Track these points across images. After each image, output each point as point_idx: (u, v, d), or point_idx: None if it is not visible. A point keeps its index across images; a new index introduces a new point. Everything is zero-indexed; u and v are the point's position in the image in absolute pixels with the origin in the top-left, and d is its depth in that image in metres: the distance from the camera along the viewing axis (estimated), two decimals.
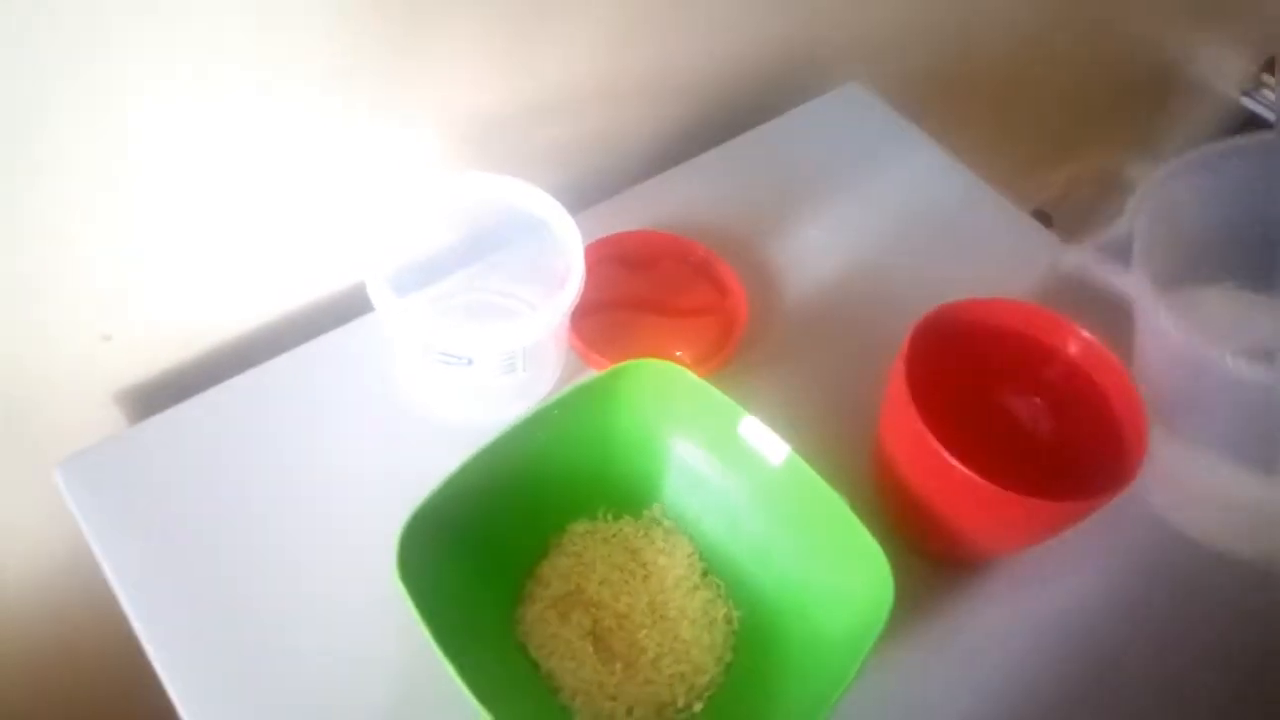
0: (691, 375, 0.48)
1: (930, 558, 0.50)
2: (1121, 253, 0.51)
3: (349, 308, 0.57)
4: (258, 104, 0.47)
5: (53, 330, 0.50)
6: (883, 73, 0.76)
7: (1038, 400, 0.52)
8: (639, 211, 0.63)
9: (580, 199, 0.55)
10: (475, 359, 0.48)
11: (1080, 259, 0.53)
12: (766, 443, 0.47)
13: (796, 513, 0.46)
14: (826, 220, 0.66)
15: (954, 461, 0.43)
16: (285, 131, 0.50)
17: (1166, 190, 0.53)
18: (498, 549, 0.46)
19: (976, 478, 0.43)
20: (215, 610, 0.46)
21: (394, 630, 0.45)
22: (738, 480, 0.48)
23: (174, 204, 0.49)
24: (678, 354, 0.57)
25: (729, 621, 0.47)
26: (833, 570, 0.45)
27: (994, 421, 0.52)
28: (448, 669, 0.38)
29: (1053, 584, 0.52)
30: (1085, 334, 0.49)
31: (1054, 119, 1.01)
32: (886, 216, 0.67)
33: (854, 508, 0.44)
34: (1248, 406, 0.50)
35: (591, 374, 0.49)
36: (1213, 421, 0.52)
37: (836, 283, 0.63)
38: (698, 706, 0.45)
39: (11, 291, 0.47)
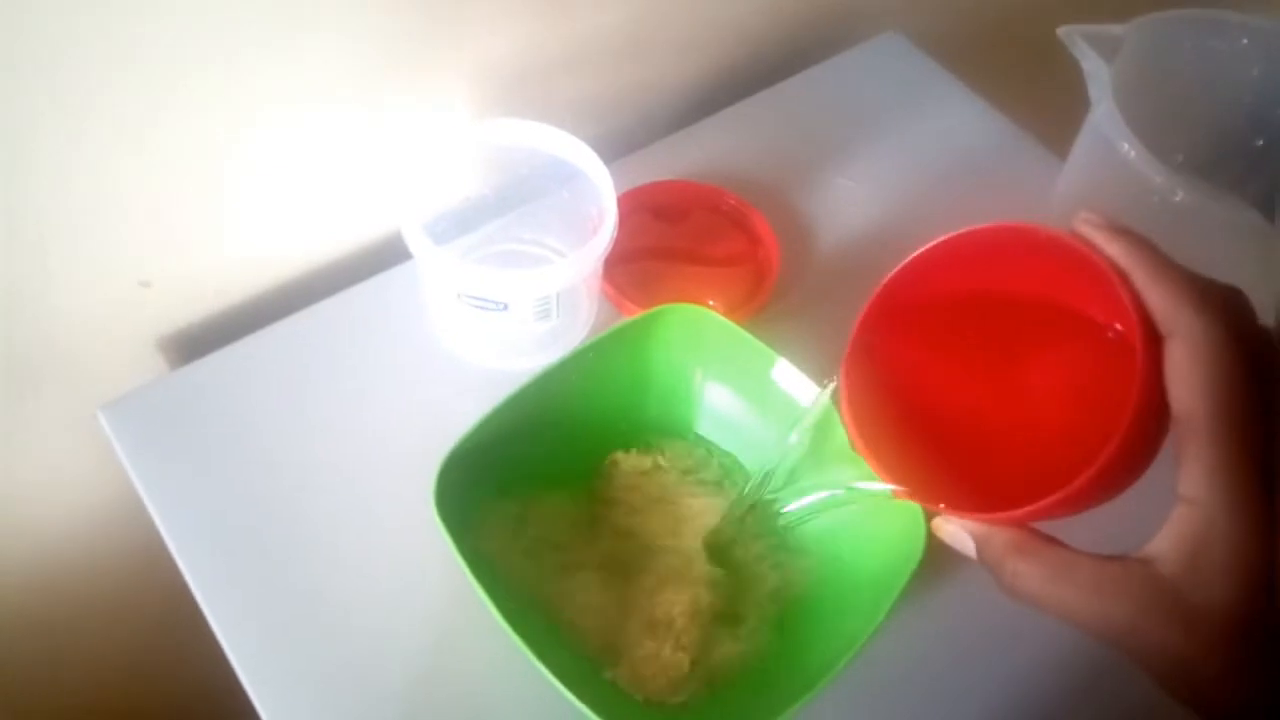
0: (725, 320, 0.48)
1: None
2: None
3: (383, 257, 0.58)
4: (295, 52, 0.47)
5: (93, 276, 0.50)
6: (921, 22, 0.74)
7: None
8: (671, 162, 0.63)
9: (612, 150, 0.55)
10: (510, 304, 0.48)
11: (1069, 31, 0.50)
12: (799, 386, 0.47)
13: (829, 455, 0.46)
14: (861, 170, 0.65)
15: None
16: (322, 80, 0.50)
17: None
18: (532, 487, 0.47)
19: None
20: (257, 548, 0.47)
21: (431, 567, 0.46)
22: (770, 424, 0.48)
23: (212, 154, 0.49)
24: (710, 302, 0.56)
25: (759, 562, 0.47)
26: (865, 512, 0.44)
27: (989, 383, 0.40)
28: (483, 600, 0.39)
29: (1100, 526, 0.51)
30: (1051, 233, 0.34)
31: None
32: (923, 166, 0.66)
33: None
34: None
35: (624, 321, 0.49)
36: None
37: (870, 232, 0.62)
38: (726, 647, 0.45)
39: (53, 238, 0.47)
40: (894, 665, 0.45)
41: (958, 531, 0.34)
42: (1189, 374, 0.28)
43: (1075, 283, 0.35)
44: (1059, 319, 0.37)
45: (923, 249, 0.38)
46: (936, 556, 0.42)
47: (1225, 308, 0.29)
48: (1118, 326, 0.35)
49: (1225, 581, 0.28)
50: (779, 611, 0.46)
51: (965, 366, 0.40)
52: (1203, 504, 0.28)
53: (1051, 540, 0.31)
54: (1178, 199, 0.46)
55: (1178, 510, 0.29)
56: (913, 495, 0.36)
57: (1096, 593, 0.29)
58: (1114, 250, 0.31)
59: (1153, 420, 0.30)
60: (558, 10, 0.56)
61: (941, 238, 0.37)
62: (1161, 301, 0.29)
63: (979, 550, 0.33)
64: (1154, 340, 0.30)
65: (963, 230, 0.36)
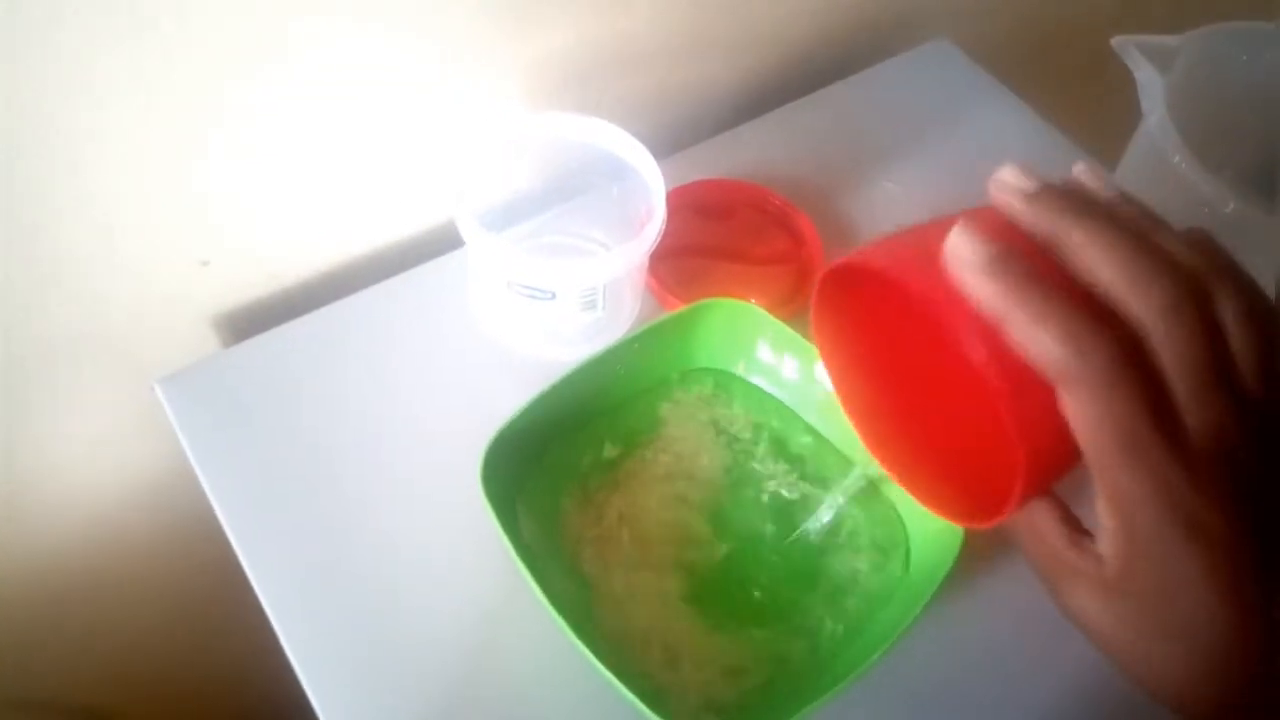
0: (769, 316, 0.49)
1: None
2: None
3: (431, 245, 0.59)
4: (358, 40, 0.49)
5: (156, 254, 0.52)
6: (970, 30, 0.74)
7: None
8: (717, 161, 0.63)
9: (660, 148, 0.56)
10: (558, 293, 0.49)
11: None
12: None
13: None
14: (907, 175, 0.65)
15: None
16: (382, 70, 0.51)
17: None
18: (575, 473, 0.47)
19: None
20: (305, 524, 0.48)
21: (475, 547, 0.47)
22: (813, 420, 0.49)
23: (273, 141, 0.50)
24: (752, 300, 0.57)
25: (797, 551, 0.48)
26: (906, 509, 0.45)
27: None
28: (528, 582, 0.40)
29: None
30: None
31: None
32: (968, 173, 0.65)
33: None
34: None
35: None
36: None
37: None
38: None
39: (119, 215, 0.49)
40: (925, 669, 0.46)
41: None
42: (1076, 422, 0.27)
43: None
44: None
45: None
46: (971, 561, 0.42)
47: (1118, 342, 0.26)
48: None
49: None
50: (820, 603, 0.46)
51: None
52: (1110, 531, 0.28)
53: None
54: (1229, 210, 0.46)
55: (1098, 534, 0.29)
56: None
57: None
58: (990, 290, 0.28)
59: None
60: (618, 8, 0.57)
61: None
62: (1042, 348, 0.27)
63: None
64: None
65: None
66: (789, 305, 0.57)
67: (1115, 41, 0.51)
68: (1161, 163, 0.48)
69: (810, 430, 0.50)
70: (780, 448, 0.50)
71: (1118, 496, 0.27)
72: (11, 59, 0.40)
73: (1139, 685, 0.30)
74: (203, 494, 0.49)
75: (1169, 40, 0.51)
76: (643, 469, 0.49)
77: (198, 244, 0.53)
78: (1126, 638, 0.29)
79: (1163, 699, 0.30)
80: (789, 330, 0.49)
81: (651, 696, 0.37)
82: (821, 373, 0.48)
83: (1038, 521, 0.31)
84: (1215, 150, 0.49)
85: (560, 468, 0.47)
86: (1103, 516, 0.28)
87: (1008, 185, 0.31)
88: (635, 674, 0.38)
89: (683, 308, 0.49)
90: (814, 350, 0.47)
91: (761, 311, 0.49)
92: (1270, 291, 0.38)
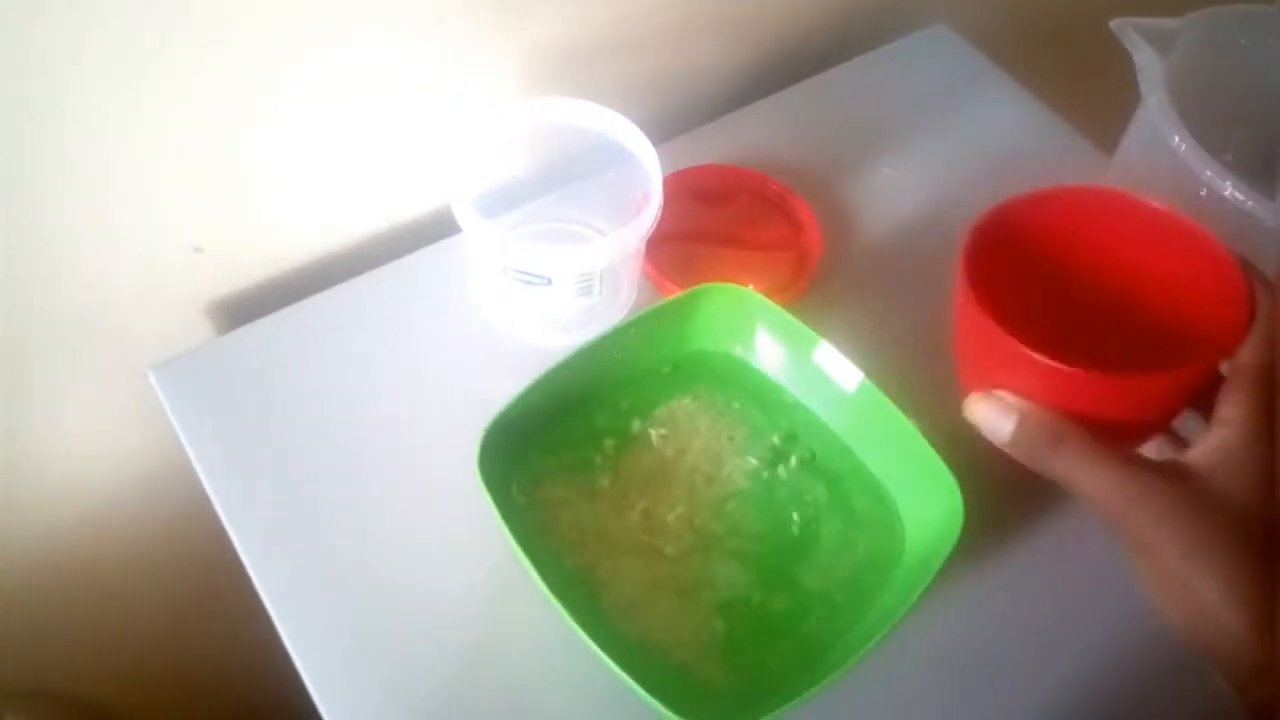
0: (765, 300, 0.48)
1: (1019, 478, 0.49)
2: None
3: (428, 231, 0.59)
4: (351, 26, 0.48)
5: (151, 240, 0.52)
6: (968, 15, 0.74)
7: (1120, 285, 0.46)
8: (715, 146, 0.63)
9: (657, 133, 0.55)
10: (554, 279, 0.49)
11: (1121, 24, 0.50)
12: (840, 369, 0.47)
13: (869, 438, 0.46)
14: (906, 160, 0.65)
15: (1024, 349, 0.38)
16: (376, 55, 0.51)
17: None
18: (572, 457, 0.47)
19: (1044, 359, 0.38)
20: (300, 509, 0.48)
21: (471, 532, 0.47)
22: (810, 405, 0.49)
23: (267, 125, 0.50)
24: (750, 286, 0.57)
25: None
26: (904, 494, 0.45)
27: (1072, 318, 0.46)
28: (524, 564, 0.39)
29: None
30: (1158, 206, 0.43)
31: None
32: (967, 158, 0.66)
33: (926, 435, 0.44)
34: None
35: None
36: None
37: (912, 223, 0.62)
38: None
39: (117, 200, 0.49)
40: (929, 647, 0.46)
41: (992, 411, 0.39)
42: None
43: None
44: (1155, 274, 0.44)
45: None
46: (975, 540, 0.42)
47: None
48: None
49: (1242, 481, 0.35)
50: (815, 585, 0.46)
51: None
52: (1235, 421, 0.36)
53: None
54: (1227, 193, 0.46)
55: (1213, 429, 0.36)
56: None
57: (1123, 494, 0.36)
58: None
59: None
60: None
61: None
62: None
63: (1018, 428, 0.38)
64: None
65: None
66: (788, 291, 0.57)
67: (1114, 24, 0.50)
68: (1160, 145, 0.48)
69: (808, 413, 0.50)
70: (778, 430, 0.50)
71: (1255, 403, 0.36)
72: (4, 42, 0.40)
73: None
74: (198, 482, 0.49)
75: (1168, 23, 0.51)
76: (641, 453, 0.49)
77: (191, 231, 0.53)
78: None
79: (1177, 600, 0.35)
80: (787, 315, 0.48)
81: (652, 680, 0.37)
82: (819, 356, 0.48)
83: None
84: (1215, 133, 0.49)
85: (557, 453, 0.47)
86: (1230, 410, 0.36)
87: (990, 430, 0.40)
88: (636, 659, 0.38)
89: (680, 293, 0.49)
90: (812, 335, 0.48)
91: (760, 296, 0.49)
92: (1269, 271, 0.38)
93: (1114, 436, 0.40)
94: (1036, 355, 0.37)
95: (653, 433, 0.49)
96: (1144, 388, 0.39)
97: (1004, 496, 0.50)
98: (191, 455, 0.49)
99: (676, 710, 0.37)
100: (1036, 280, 0.46)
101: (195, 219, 0.52)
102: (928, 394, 0.47)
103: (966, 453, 0.44)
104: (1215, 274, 0.41)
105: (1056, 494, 0.51)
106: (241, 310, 0.57)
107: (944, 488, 0.42)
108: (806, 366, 0.49)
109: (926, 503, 0.43)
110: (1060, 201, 0.46)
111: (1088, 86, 0.80)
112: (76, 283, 0.51)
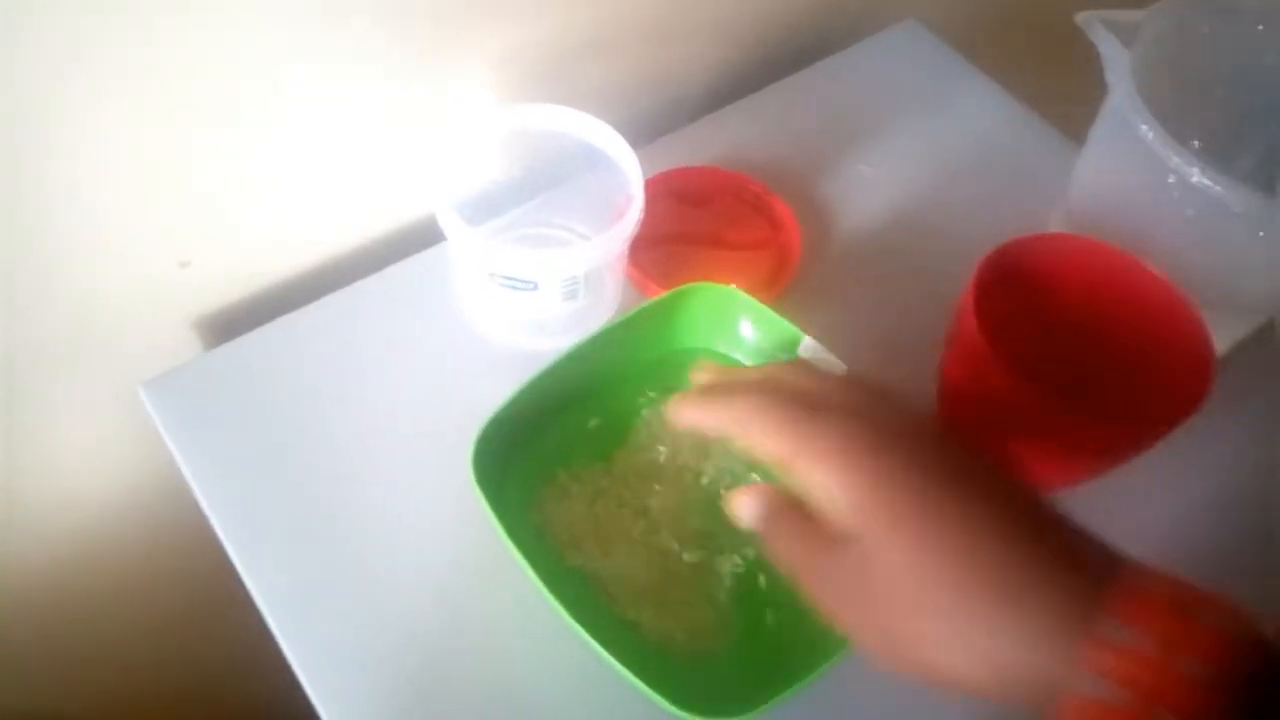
0: (750, 298, 0.49)
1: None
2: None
3: (411, 241, 0.59)
4: (322, 39, 0.49)
5: (137, 255, 0.52)
6: (938, 10, 0.75)
7: (1102, 337, 0.51)
8: (694, 148, 0.64)
9: (635, 136, 0.56)
10: (540, 283, 0.50)
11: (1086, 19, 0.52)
12: (824, 363, 0.48)
13: None
14: (881, 157, 0.66)
15: (1022, 384, 0.43)
16: (352, 65, 0.51)
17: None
18: (564, 458, 0.48)
19: (1043, 398, 0.43)
20: (293, 520, 0.48)
21: (463, 539, 0.47)
22: None
23: (246, 139, 0.50)
24: (732, 286, 0.58)
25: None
26: None
27: (1063, 354, 0.51)
28: (519, 562, 0.40)
29: (1128, 514, 0.52)
30: (1152, 270, 0.49)
31: None
32: (941, 153, 0.67)
33: None
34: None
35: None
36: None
37: (891, 219, 0.63)
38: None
39: (103, 216, 0.49)
40: None
41: (747, 502, 0.37)
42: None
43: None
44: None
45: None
46: None
47: None
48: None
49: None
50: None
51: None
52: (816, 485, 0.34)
53: (803, 515, 0.35)
54: (1195, 180, 0.47)
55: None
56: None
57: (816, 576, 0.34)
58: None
59: None
60: None
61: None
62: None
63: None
64: None
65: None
66: (769, 290, 0.57)
67: (1079, 17, 0.51)
68: (1129, 135, 0.49)
69: None
70: None
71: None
72: None
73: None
74: (191, 496, 0.49)
75: (1132, 14, 0.52)
76: (633, 453, 0.49)
77: (177, 245, 0.53)
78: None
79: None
80: (770, 311, 0.49)
81: (659, 678, 0.38)
82: (803, 351, 0.48)
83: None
84: (1182, 121, 0.50)
85: (550, 455, 0.48)
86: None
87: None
88: (640, 658, 0.38)
89: (666, 293, 0.50)
90: (795, 330, 0.48)
91: (742, 294, 0.50)
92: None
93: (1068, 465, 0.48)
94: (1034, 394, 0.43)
95: (644, 431, 0.50)
96: (1130, 437, 0.45)
97: None
98: (184, 469, 0.49)
99: (689, 709, 0.37)
100: (1032, 316, 0.51)
101: (181, 234, 0.52)
102: (909, 385, 0.48)
103: None
104: (1184, 338, 0.47)
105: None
106: (230, 325, 0.57)
107: None
108: (791, 358, 0.50)
109: None
110: (1059, 246, 0.50)
111: (1056, 79, 0.81)
112: (61, 301, 0.51)
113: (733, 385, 0.38)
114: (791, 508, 0.35)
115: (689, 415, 0.38)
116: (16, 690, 0.68)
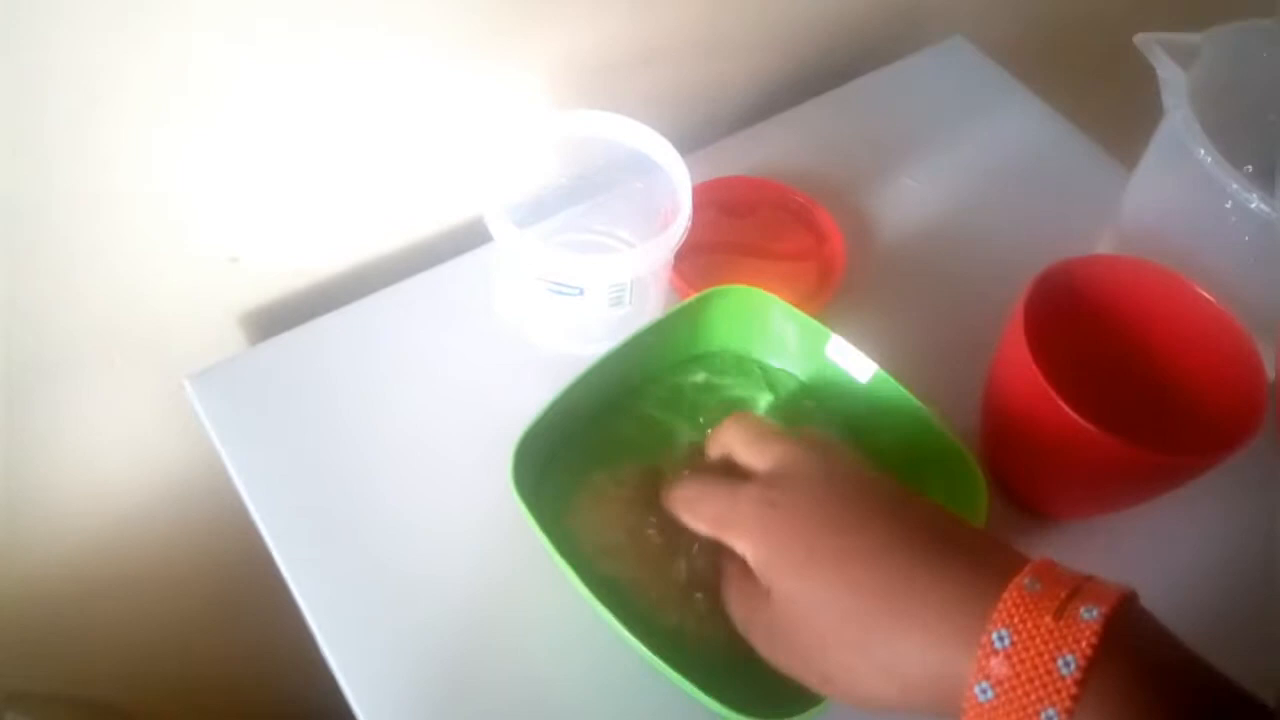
0: (777, 300, 0.49)
1: (1034, 510, 0.51)
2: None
3: (456, 242, 0.59)
4: (384, 39, 0.49)
5: (189, 249, 0.52)
6: (988, 27, 0.75)
7: (1152, 361, 0.51)
8: (739, 158, 0.64)
9: (681, 145, 0.56)
10: (586, 289, 0.50)
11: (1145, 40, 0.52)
12: (854, 362, 0.48)
13: (886, 427, 0.47)
14: (926, 171, 0.66)
15: (1068, 410, 0.43)
16: (408, 69, 0.51)
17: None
18: (603, 462, 0.48)
19: (1089, 426, 0.42)
20: (334, 515, 0.49)
21: (503, 540, 0.47)
22: (826, 398, 0.50)
23: (303, 139, 0.51)
24: (758, 288, 0.58)
25: None
26: (922, 481, 0.45)
27: (1109, 379, 0.51)
28: (563, 570, 0.40)
29: (1159, 547, 0.52)
30: (1204, 294, 0.48)
31: None
32: (987, 170, 0.67)
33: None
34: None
35: None
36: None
37: (935, 234, 0.63)
38: None
39: (148, 210, 0.49)
40: None
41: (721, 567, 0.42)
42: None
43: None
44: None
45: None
46: (997, 525, 0.43)
47: None
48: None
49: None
50: None
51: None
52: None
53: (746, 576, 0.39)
54: (1253, 206, 0.46)
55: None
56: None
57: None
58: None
59: None
60: (639, 6, 0.57)
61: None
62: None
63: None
64: None
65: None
66: (814, 301, 0.57)
67: (1138, 39, 0.51)
68: (1185, 158, 0.48)
69: (824, 405, 0.50)
70: (795, 423, 0.50)
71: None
72: (44, 45, 0.40)
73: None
74: (232, 489, 0.49)
75: (1191, 37, 0.51)
76: (669, 453, 0.49)
77: (228, 240, 0.53)
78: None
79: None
80: (797, 311, 0.50)
81: (705, 680, 0.38)
82: (831, 350, 0.49)
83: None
84: (1238, 146, 0.49)
85: (584, 461, 0.48)
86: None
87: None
88: (683, 660, 0.38)
89: (693, 296, 0.50)
90: (824, 330, 0.49)
91: (769, 295, 0.50)
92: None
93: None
94: (1082, 421, 0.42)
95: (682, 430, 0.50)
96: (1180, 468, 0.44)
97: (1033, 525, 0.51)
98: (228, 463, 0.50)
99: (751, 714, 0.38)
100: (1081, 338, 0.50)
101: (231, 229, 0.53)
102: (952, 401, 0.48)
103: (983, 467, 0.45)
104: (1237, 365, 0.46)
105: (1083, 526, 0.52)
106: (273, 320, 0.58)
107: (964, 471, 0.43)
108: (819, 360, 0.50)
109: (946, 487, 0.44)
110: (1111, 267, 0.50)
111: (1104, 98, 0.80)
112: (111, 293, 0.52)
113: (680, 478, 0.43)
114: (741, 572, 0.39)
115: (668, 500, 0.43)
116: (50, 672, 0.69)
